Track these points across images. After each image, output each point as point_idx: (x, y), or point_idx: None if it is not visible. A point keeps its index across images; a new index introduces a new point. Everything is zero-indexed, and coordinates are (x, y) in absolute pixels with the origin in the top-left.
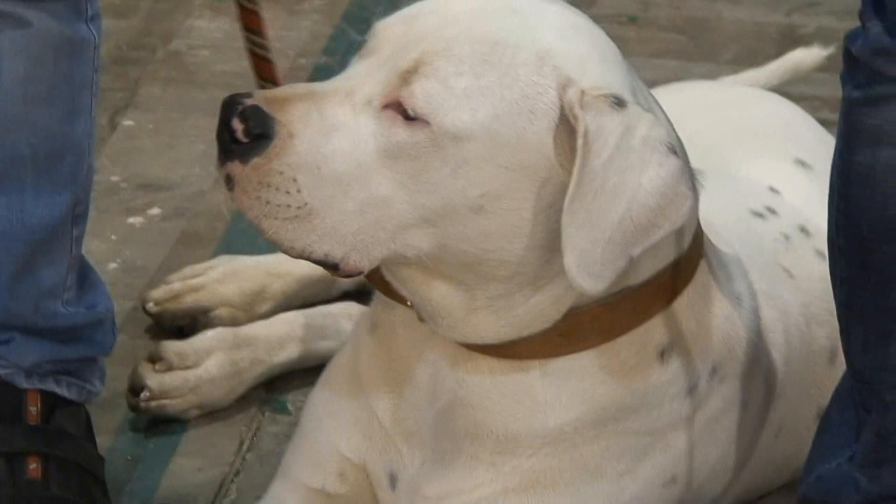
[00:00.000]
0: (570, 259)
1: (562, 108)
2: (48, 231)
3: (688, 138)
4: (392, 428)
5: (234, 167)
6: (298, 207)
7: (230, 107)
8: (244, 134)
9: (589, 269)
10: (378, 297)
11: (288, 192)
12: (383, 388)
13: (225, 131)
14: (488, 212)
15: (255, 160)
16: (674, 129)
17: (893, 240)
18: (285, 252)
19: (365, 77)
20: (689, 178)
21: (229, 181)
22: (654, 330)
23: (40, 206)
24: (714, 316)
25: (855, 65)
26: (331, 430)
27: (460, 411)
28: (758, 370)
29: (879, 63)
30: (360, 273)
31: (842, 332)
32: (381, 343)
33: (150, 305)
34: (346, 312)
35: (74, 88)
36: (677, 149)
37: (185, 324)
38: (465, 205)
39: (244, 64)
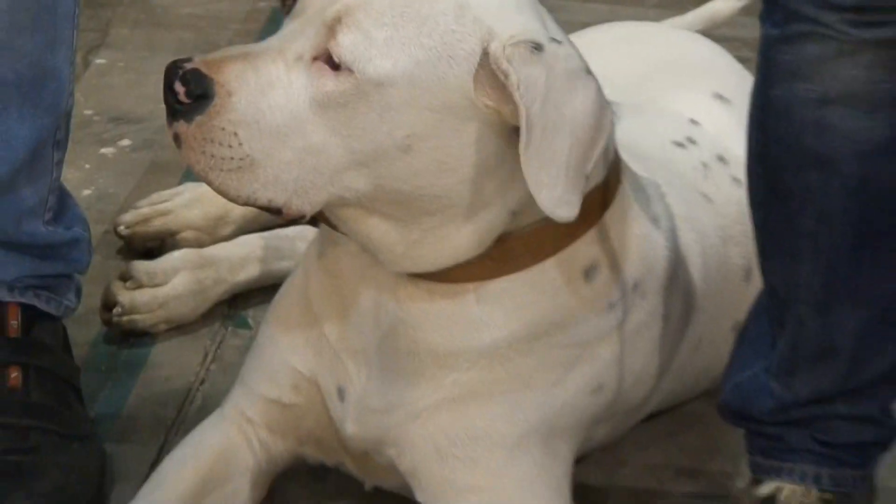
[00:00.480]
0: (542, 198)
1: (482, 55)
2: (31, 153)
3: (615, 73)
4: (339, 346)
5: (180, 127)
6: (241, 159)
7: (172, 71)
8: (186, 95)
9: (561, 199)
10: (324, 228)
11: (230, 146)
12: (331, 311)
13: (169, 94)
14: (416, 151)
15: (199, 119)
16: (574, 48)
17: (806, 167)
18: (232, 201)
19: (294, 35)
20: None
21: (177, 140)
22: (579, 251)
23: (24, 129)
24: (634, 236)
25: (773, 5)
26: (284, 346)
27: (402, 332)
28: (677, 286)
29: (796, 3)
30: (303, 217)
31: (758, 252)
32: (328, 270)
33: (122, 228)
34: (302, 235)
35: (57, 19)
36: (589, 66)
37: (154, 245)
38: (393, 146)
39: (207, 7)
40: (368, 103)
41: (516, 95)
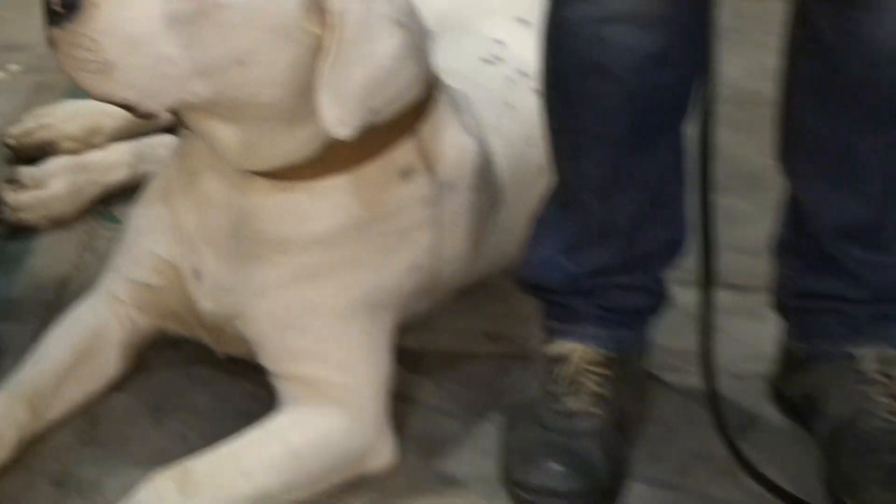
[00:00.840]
0: (325, 114)
1: None
2: None
3: (431, 3)
4: (194, 234)
5: (54, 31)
6: (101, 63)
7: None
8: (59, 5)
9: (341, 119)
10: (183, 131)
11: (92, 51)
12: (187, 203)
13: (46, 3)
14: (250, 66)
15: (68, 26)
16: (406, 2)
17: (588, 75)
18: (93, 97)
19: None
20: (417, 43)
21: (51, 42)
22: (398, 155)
23: None
24: (447, 142)
25: None
26: (147, 235)
27: (245, 221)
28: (485, 183)
29: None
30: (153, 115)
31: (549, 150)
32: (185, 167)
33: (9, 140)
34: (164, 143)
35: None
36: (405, 20)
37: (37, 154)
38: (231, 60)
39: None
40: (211, 21)
41: (331, 21)
